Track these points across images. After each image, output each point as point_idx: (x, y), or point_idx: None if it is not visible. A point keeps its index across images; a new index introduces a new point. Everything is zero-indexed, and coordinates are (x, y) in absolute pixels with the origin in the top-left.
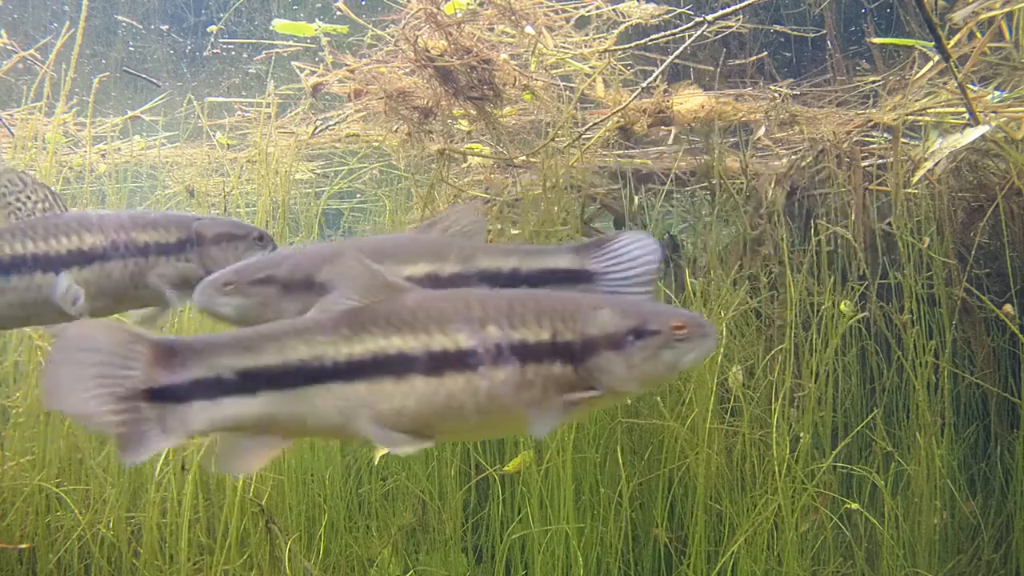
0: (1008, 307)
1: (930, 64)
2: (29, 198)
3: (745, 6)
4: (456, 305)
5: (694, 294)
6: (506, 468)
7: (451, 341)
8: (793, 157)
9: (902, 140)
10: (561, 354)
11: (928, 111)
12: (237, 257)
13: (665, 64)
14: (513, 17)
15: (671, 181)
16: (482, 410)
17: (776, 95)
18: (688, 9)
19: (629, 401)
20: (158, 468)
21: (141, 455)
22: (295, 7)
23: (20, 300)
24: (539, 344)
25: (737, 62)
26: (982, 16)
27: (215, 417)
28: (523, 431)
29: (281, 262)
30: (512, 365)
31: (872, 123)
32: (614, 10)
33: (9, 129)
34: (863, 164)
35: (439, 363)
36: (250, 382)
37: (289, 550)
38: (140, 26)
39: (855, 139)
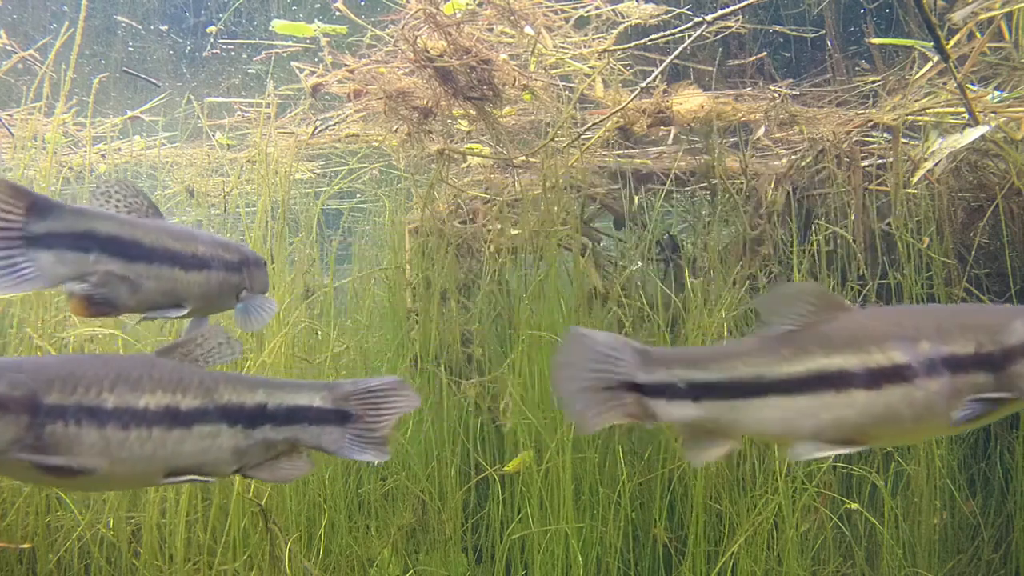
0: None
1: (930, 64)
2: (136, 206)
3: (745, 6)
4: (888, 323)
5: (694, 294)
6: (506, 468)
7: (888, 358)
8: (793, 157)
9: (902, 140)
10: (984, 364)
11: (928, 111)
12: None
13: (664, 64)
14: (512, 17)
15: (671, 181)
16: (916, 418)
17: (776, 95)
18: (687, 9)
19: None
20: None
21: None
22: (294, 7)
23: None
24: (966, 356)
25: (737, 62)
26: (981, 16)
27: (665, 414)
28: (941, 433)
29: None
30: (943, 376)
31: (872, 123)
32: (613, 10)
33: (9, 129)
34: (863, 164)
35: (878, 377)
36: (695, 391)
37: (289, 550)
38: (140, 26)
39: (855, 139)
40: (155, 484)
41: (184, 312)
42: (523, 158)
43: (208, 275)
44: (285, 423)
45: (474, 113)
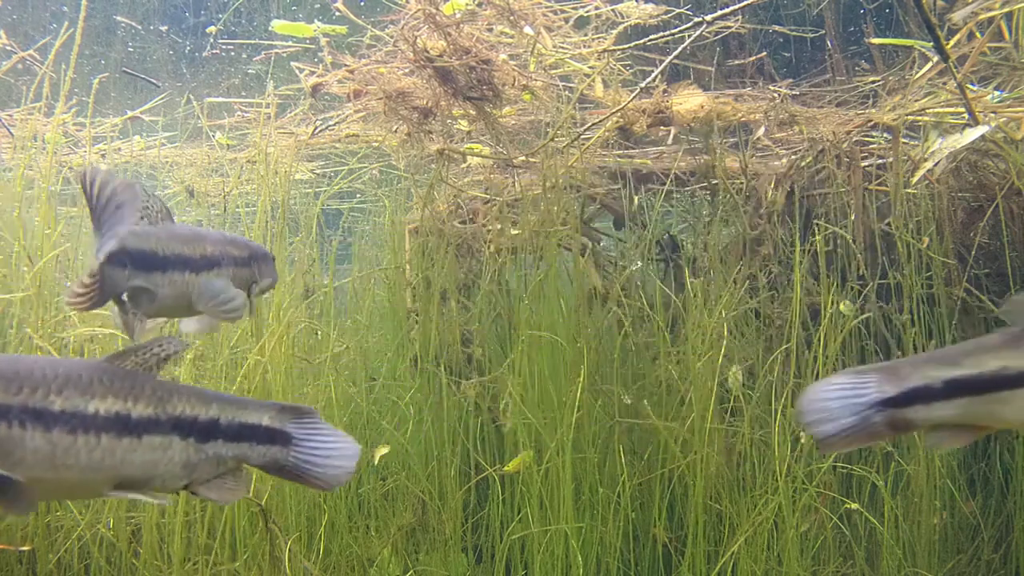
0: None
1: (929, 64)
2: (150, 207)
3: (744, 6)
4: None
5: (694, 294)
6: (506, 468)
7: None
8: (793, 157)
9: (902, 140)
10: None
11: (928, 111)
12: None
13: (664, 64)
14: (512, 17)
15: (671, 181)
16: None
17: (775, 95)
18: (687, 9)
19: (628, 401)
20: None
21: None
22: (294, 8)
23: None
24: None
25: (737, 62)
26: (981, 16)
27: (923, 418)
28: None
29: None
30: None
31: (872, 123)
32: (613, 10)
33: (8, 129)
34: (863, 164)
35: None
36: (951, 390)
37: (289, 550)
38: (139, 27)
39: (855, 139)
40: (101, 495)
41: (199, 312)
42: (523, 158)
43: (219, 273)
44: (236, 440)
45: (474, 113)
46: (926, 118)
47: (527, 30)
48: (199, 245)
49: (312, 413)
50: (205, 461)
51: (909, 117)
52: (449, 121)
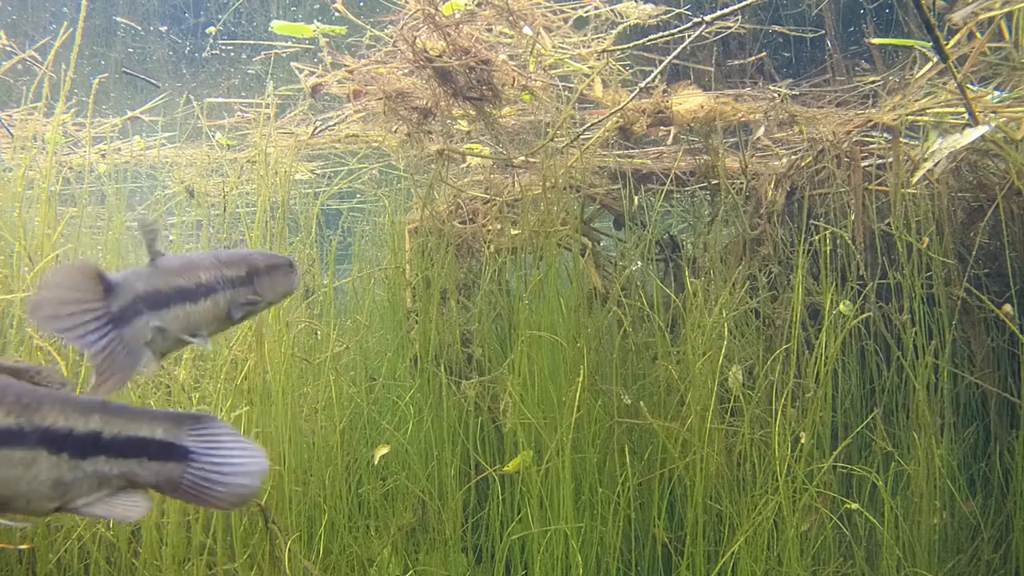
0: (1008, 307)
1: (929, 64)
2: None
3: (744, 6)
4: None
5: (694, 294)
6: (506, 468)
7: None
8: (793, 157)
9: (902, 140)
10: None
11: (928, 111)
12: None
13: (664, 64)
14: (511, 18)
15: (671, 181)
16: None
17: (775, 95)
18: (687, 9)
19: (628, 401)
20: None
21: None
22: (293, 8)
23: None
24: None
25: (736, 62)
26: (981, 16)
27: None
28: None
29: None
30: None
31: (872, 123)
32: (612, 10)
33: (8, 130)
34: (863, 164)
35: None
36: None
37: (289, 550)
38: (139, 27)
39: (855, 139)
40: None
41: (203, 339)
42: (523, 158)
43: (216, 299)
44: (121, 456)
45: (473, 113)
46: (926, 118)
47: (526, 30)
48: (193, 274)
49: (213, 421)
50: (82, 480)
51: (909, 117)
52: (449, 121)
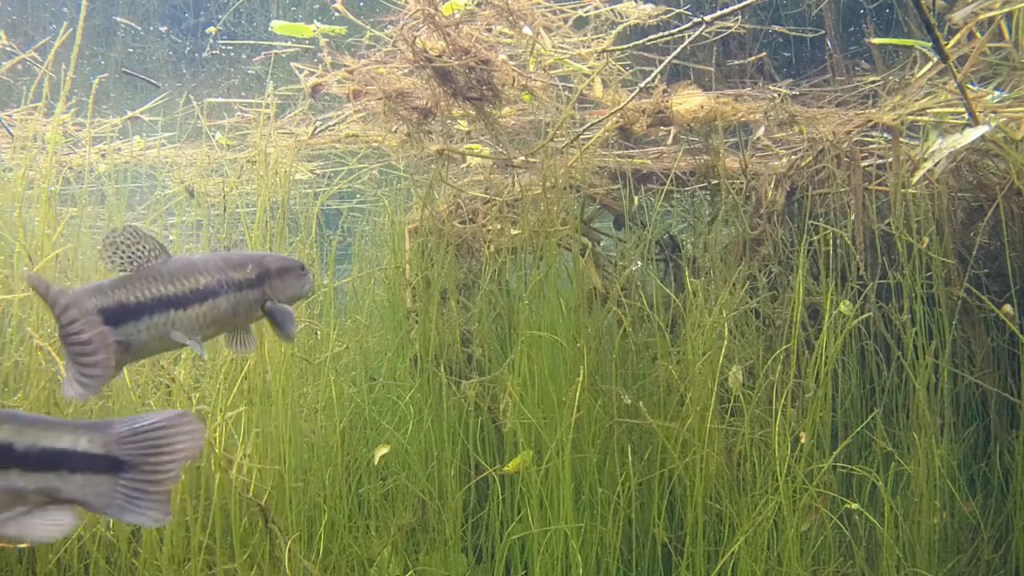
0: (1008, 307)
1: (930, 64)
2: (142, 249)
3: (745, 6)
4: None
5: (694, 294)
6: (506, 468)
7: None
8: (793, 157)
9: (902, 140)
10: None
11: (928, 111)
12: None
13: (664, 64)
14: (511, 18)
15: (671, 181)
16: None
17: (775, 95)
18: (687, 9)
19: (628, 401)
20: None
21: None
22: (293, 8)
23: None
24: None
25: (736, 62)
26: (981, 16)
27: None
28: None
29: None
30: None
31: (872, 123)
32: (612, 10)
33: (8, 130)
34: (863, 164)
35: None
36: None
37: (289, 550)
38: (139, 27)
39: (855, 139)
40: None
41: (196, 341)
42: (523, 158)
43: (213, 303)
44: (37, 469)
45: (473, 113)
46: (926, 118)
47: (526, 30)
48: (189, 279)
49: (153, 426)
50: None
51: (909, 117)
52: (449, 121)
